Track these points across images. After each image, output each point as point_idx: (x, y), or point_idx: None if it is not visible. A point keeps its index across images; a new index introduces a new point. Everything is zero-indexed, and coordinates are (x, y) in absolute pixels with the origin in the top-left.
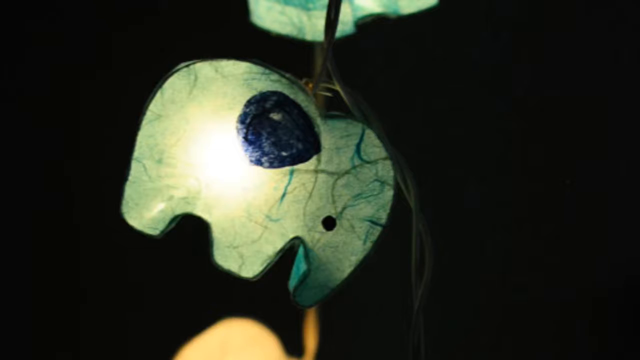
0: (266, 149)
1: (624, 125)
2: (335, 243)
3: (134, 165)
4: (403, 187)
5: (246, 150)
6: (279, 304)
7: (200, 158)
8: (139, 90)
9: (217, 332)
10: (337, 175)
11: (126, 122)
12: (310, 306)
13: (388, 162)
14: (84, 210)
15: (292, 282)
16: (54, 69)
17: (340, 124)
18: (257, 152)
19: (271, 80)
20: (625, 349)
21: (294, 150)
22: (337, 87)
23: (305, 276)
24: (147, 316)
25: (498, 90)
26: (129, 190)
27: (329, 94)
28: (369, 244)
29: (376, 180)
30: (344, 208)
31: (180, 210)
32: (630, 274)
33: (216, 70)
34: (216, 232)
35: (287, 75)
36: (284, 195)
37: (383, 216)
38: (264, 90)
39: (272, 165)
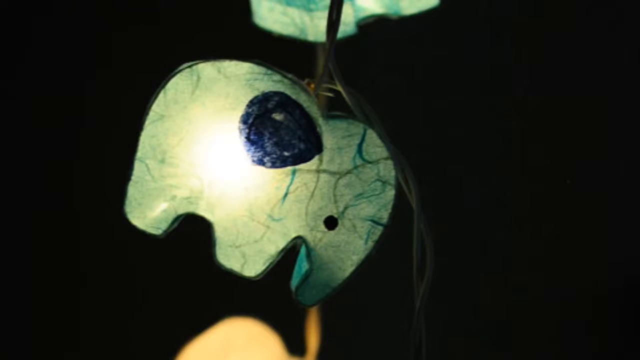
0: (268, 149)
1: (624, 125)
2: (337, 242)
3: (137, 165)
4: (404, 187)
5: (248, 150)
6: (281, 303)
7: (203, 158)
8: (142, 91)
9: (219, 331)
10: (339, 175)
11: (129, 122)
12: (312, 305)
13: (389, 162)
14: (87, 210)
15: (294, 282)
16: (57, 69)
17: (341, 124)
18: (259, 152)
19: (273, 81)
20: (625, 349)
21: (296, 150)
22: (339, 88)
23: (307, 275)
24: (150, 315)
25: (498, 90)
26: (132, 190)
27: (330, 94)
28: (370, 244)
29: (378, 180)
30: (345, 208)
31: (182, 209)
32: (630, 273)
33: (219, 71)
34: (219, 232)
35: (289, 75)
36: (286, 195)
37: (384, 216)
38: (266, 90)
39: (274, 165)
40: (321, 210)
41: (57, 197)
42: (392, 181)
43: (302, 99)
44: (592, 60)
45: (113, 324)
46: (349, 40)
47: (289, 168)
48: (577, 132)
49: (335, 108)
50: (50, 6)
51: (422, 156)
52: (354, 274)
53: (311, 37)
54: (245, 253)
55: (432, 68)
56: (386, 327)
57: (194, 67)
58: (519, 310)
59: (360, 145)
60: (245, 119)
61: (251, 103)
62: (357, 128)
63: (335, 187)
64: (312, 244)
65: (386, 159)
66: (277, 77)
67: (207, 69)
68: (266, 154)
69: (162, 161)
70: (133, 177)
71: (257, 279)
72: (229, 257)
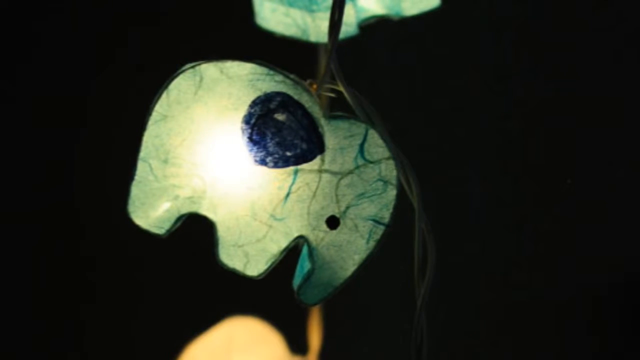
0: (270, 149)
1: (625, 125)
2: (339, 242)
3: (140, 165)
4: (406, 186)
5: (251, 150)
6: (284, 302)
7: (206, 158)
8: (145, 91)
9: (222, 330)
10: (341, 175)
11: (132, 122)
12: (314, 304)
13: (391, 162)
14: (90, 209)
15: (296, 281)
16: (61, 69)
17: (343, 124)
18: (261, 152)
19: (275, 81)
20: (626, 349)
21: (298, 150)
22: (341, 88)
23: (309, 275)
24: (154, 314)
25: (500, 90)
26: (135, 189)
27: (332, 95)
28: (372, 243)
29: (379, 180)
30: (347, 207)
31: (185, 209)
32: (630, 273)
33: (221, 71)
34: (221, 231)
35: (292, 76)
36: (288, 194)
37: (386, 215)
38: (269, 91)
39: (276, 165)
40: (323, 209)
41: (60, 197)
42: (394, 181)
43: (304, 99)
44: (592, 61)
45: (117, 323)
46: (350, 40)
47: (291, 168)
48: (578, 132)
49: (337, 108)
50: (52, 7)
51: (424, 156)
52: (356, 273)
53: (313, 38)
54: (247, 252)
55: (433, 68)
56: (387, 326)
57: (197, 68)
58: (519, 309)
59: (362, 145)
60: (247, 119)
61: (254, 103)
62: (358, 128)
63: (337, 186)
64: (314, 244)
65: (388, 158)
66: (279, 77)
67: (209, 69)
68: (268, 154)
69: (165, 161)
70: (136, 177)
71: (260, 278)
72: (231, 256)
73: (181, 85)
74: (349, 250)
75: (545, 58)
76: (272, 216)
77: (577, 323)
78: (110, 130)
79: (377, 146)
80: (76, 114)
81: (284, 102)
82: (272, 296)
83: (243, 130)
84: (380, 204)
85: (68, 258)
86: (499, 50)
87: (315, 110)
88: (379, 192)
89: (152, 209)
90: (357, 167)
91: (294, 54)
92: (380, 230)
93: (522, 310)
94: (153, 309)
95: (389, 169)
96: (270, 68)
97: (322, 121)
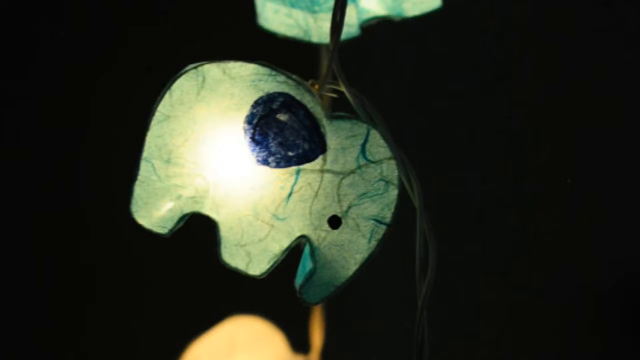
0: (273, 149)
1: (625, 125)
2: (341, 241)
3: (143, 165)
4: (407, 186)
5: (253, 150)
6: (286, 301)
7: (208, 158)
8: (148, 91)
9: (225, 329)
10: (343, 174)
11: (135, 122)
12: (316, 303)
13: (392, 162)
14: (94, 209)
15: (299, 280)
16: (64, 69)
17: (345, 125)
18: (264, 152)
19: (278, 82)
20: (626, 349)
21: (300, 150)
22: (343, 88)
23: (311, 274)
24: (156, 313)
25: (500, 90)
26: (138, 189)
27: (334, 95)
28: (373, 243)
29: (381, 179)
30: (349, 207)
31: (188, 209)
32: (630, 273)
33: (224, 72)
34: (224, 231)
35: (294, 76)
36: (290, 194)
37: (388, 215)
38: (271, 91)
39: (278, 165)
40: (325, 209)
41: (63, 196)
42: (395, 181)
43: (307, 99)
44: (592, 61)
45: (120, 322)
46: (352, 41)
47: (293, 168)
48: (578, 131)
49: (338, 109)
50: (60, 7)
51: (425, 156)
52: (358, 272)
53: (315, 39)
54: (250, 252)
55: (433, 69)
56: (389, 325)
57: (200, 68)
58: (520, 309)
59: (363, 146)
60: (250, 120)
61: (256, 104)
62: (360, 128)
63: (339, 186)
64: (316, 243)
65: (389, 158)
66: (281, 78)
67: (212, 70)
68: (271, 154)
69: (168, 161)
70: (139, 177)
71: (262, 277)
72: (234, 256)
73: (184, 85)
74: (351, 249)
75: (545, 58)
76: (275, 216)
77: (577, 323)
78: (114, 131)
79: (378, 146)
80: (80, 114)
81: (286, 102)
82: (274, 295)
83: (245, 131)
84: (382, 204)
85: (71, 257)
86: (500, 51)
87: (317, 111)
88: (380, 191)
89: (155, 209)
90: (359, 167)
91: (296, 54)
92: (381, 229)
93: (523, 310)
94: (156, 308)
95: (391, 169)
96: (273, 68)
97: (324, 121)
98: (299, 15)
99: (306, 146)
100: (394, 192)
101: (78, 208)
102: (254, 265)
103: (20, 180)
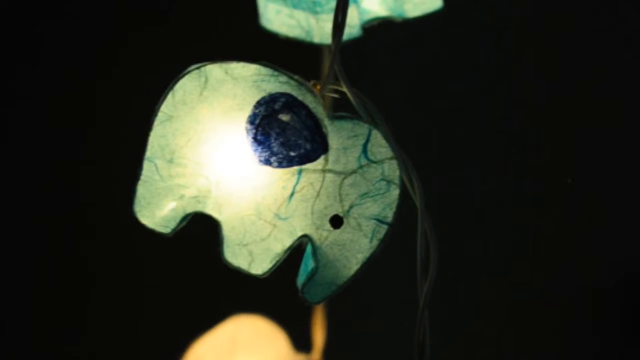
0: (275, 149)
1: (625, 125)
2: (343, 241)
3: (146, 164)
4: (409, 186)
5: (255, 150)
6: (288, 300)
7: (211, 158)
8: (151, 92)
9: (227, 328)
10: (344, 174)
11: (138, 122)
12: (318, 302)
13: (394, 162)
14: (97, 209)
15: (301, 279)
16: (68, 70)
17: (347, 125)
18: (266, 152)
19: (280, 82)
20: (626, 348)
21: (302, 150)
22: (344, 89)
23: (313, 273)
24: (159, 312)
25: (500, 91)
26: (141, 189)
27: (336, 95)
28: (375, 242)
29: (382, 179)
30: (351, 207)
31: (191, 208)
32: (630, 272)
33: (226, 72)
34: (226, 230)
35: (296, 77)
36: (292, 194)
37: (389, 215)
38: (273, 91)
39: (280, 165)
40: (327, 209)
41: (66, 196)
42: (397, 181)
43: (308, 99)
44: (592, 61)
45: (123, 321)
46: (354, 42)
47: (296, 168)
48: (578, 131)
49: (340, 109)
50: (63, 8)
51: (426, 156)
52: (359, 272)
53: (317, 39)
54: (252, 251)
55: (434, 69)
56: (390, 324)
57: (202, 69)
58: (520, 309)
59: (365, 146)
60: (252, 120)
61: (258, 104)
62: (362, 128)
63: (340, 186)
64: (318, 243)
65: (391, 158)
66: (283, 78)
67: (214, 70)
68: (273, 154)
69: (171, 161)
70: (142, 177)
71: (264, 276)
72: (236, 255)
73: (187, 86)
74: (353, 249)
75: (545, 59)
76: (277, 215)
77: (577, 322)
78: (117, 131)
79: (380, 146)
80: (83, 115)
81: (288, 102)
82: (276, 294)
83: (248, 131)
84: (384, 204)
85: (74, 257)
86: (500, 51)
87: (319, 111)
88: (382, 191)
89: (158, 208)
90: (361, 166)
91: (298, 55)
92: (383, 229)
93: (523, 310)
94: (159, 307)
95: (392, 169)
96: (275, 69)
97: (326, 121)
98: (301, 16)
99: (308, 146)
100: (395, 192)
101: (81, 208)
102: (257, 265)
103: (23, 180)
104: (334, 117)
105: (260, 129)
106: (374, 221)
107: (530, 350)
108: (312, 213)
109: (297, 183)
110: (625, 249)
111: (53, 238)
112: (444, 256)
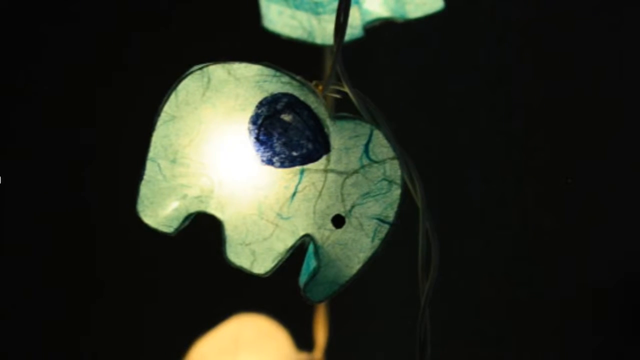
0: (277, 149)
1: (624, 125)
2: (344, 240)
3: (149, 164)
4: (410, 186)
5: (258, 150)
6: (290, 299)
7: (213, 158)
8: (154, 92)
9: (229, 327)
10: (346, 174)
11: (141, 123)
12: (320, 301)
13: (395, 162)
14: (100, 208)
15: (303, 278)
16: (71, 70)
17: (349, 125)
18: (268, 152)
19: (282, 83)
20: (626, 347)
21: (304, 150)
22: (346, 89)
23: (315, 272)
24: (163, 311)
25: (502, 91)
26: (144, 189)
27: (338, 96)
28: (377, 242)
29: (384, 179)
30: (352, 206)
31: (193, 208)
32: (630, 272)
33: (229, 73)
34: (229, 230)
35: (298, 77)
36: (294, 194)
37: (391, 214)
38: (275, 92)
39: (283, 164)
40: (329, 208)
41: (70, 196)
42: (398, 180)
43: (310, 100)
44: (593, 62)
45: (126, 320)
46: (355, 42)
47: (298, 168)
48: (578, 131)
49: (342, 109)
50: (66, 8)
51: (427, 156)
52: (361, 271)
53: (319, 40)
54: (254, 251)
55: (436, 70)
56: (392, 323)
57: (205, 69)
58: (521, 308)
59: (366, 146)
60: (254, 120)
61: (260, 104)
62: (363, 128)
63: (342, 186)
64: (320, 242)
65: (392, 158)
66: (285, 78)
67: (217, 70)
68: (275, 154)
69: (174, 161)
70: (145, 177)
71: (266, 276)
72: (238, 254)
73: (189, 86)
74: (354, 248)
75: (546, 59)
76: (279, 215)
77: (577, 321)
78: (120, 131)
79: (381, 146)
80: (86, 115)
81: (291, 103)
82: (278, 293)
83: (250, 131)
84: (385, 203)
85: (77, 256)
86: (501, 52)
87: (321, 111)
88: (383, 191)
89: (161, 208)
90: (362, 166)
91: (300, 55)
92: (384, 228)
93: (524, 309)
94: (162, 306)
95: (394, 169)
96: (277, 69)
97: (328, 122)
98: (303, 17)
99: (310, 146)
100: (396, 192)
101: (84, 208)
102: (259, 264)
103: (26, 180)
104: (335, 118)
105: (262, 129)
106: (375, 221)
107: (531, 350)
108: (314, 213)
109: (299, 183)
110: (625, 248)
111: (57, 238)
112: (444, 255)
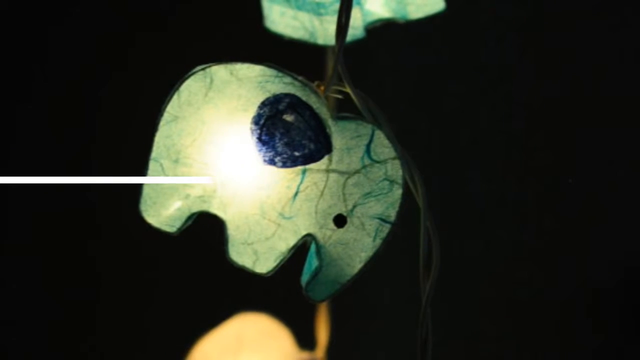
0: (279, 149)
1: (625, 125)
2: (346, 240)
3: (152, 164)
4: (411, 186)
5: (260, 151)
6: (292, 298)
7: (216, 158)
8: (156, 93)
9: (232, 326)
10: (348, 174)
11: (144, 123)
12: (322, 301)
13: (397, 162)
14: (103, 208)
15: (305, 278)
16: (73, 71)
17: (350, 125)
18: (270, 152)
19: (284, 83)
20: (627, 346)
21: (306, 151)
22: (348, 90)
23: (317, 272)
24: (165, 310)
25: (502, 91)
26: (147, 189)
27: (340, 96)
28: (378, 241)
29: (385, 179)
30: (354, 206)
31: (196, 208)
32: (630, 272)
33: (231, 73)
34: (231, 230)
35: (300, 78)
36: (296, 193)
37: (392, 214)
38: (277, 92)
39: (285, 164)
40: (330, 208)
41: (73, 196)
42: (400, 180)
43: (312, 100)
44: (593, 61)
45: (129, 319)
46: (357, 43)
47: (300, 168)
48: (579, 132)
49: (344, 109)
50: (68, 9)
51: (428, 156)
52: (363, 270)
53: (321, 41)
54: (256, 250)
55: (437, 70)
56: (393, 323)
57: (207, 70)
58: (521, 307)
59: (368, 146)
60: (257, 120)
61: (263, 104)
62: (365, 129)
63: (344, 186)
64: (321, 242)
65: (394, 158)
66: (287, 79)
67: (220, 71)
68: (277, 154)
69: (176, 161)
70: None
71: (269, 275)
72: (241, 254)
73: (192, 86)
74: (356, 248)
75: (547, 59)
76: (281, 215)
77: (577, 321)
78: (123, 131)
79: (383, 146)
80: (89, 115)
81: (293, 103)
82: (280, 293)
83: (252, 131)
84: (387, 203)
85: (80, 256)
86: (502, 52)
87: (323, 111)
88: (385, 191)
89: (164, 208)
90: (364, 166)
91: (302, 56)
92: (386, 228)
93: (524, 308)
94: (164, 305)
95: (395, 169)
96: (279, 70)
97: (330, 122)
98: (305, 18)
99: (312, 146)
100: (398, 192)
101: (88, 207)
102: (261, 263)
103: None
104: (337, 118)
105: (264, 129)
106: (377, 220)
107: (531, 349)
108: (316, 212)
109: (301, 183)
110: (625, 248)
111: (59, 237)
112: (445, 255)
